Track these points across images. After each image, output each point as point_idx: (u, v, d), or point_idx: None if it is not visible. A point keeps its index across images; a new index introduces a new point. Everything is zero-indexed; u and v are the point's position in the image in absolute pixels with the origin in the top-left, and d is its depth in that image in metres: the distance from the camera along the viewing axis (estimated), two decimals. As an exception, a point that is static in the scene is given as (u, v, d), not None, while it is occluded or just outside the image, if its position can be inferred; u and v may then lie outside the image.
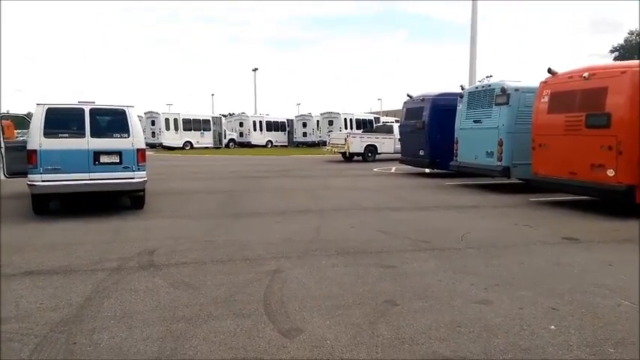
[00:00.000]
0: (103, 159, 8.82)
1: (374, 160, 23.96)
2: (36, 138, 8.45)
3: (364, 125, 40.93)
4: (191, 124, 37.29)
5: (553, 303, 4.55)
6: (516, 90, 12.39)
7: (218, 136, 38.98)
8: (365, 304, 4.52)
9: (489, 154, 12.95)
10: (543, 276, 5.42)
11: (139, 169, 9.05)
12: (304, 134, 41.39)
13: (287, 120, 44.01)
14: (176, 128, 36.60)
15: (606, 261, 6.04)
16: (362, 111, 48.10)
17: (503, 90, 12.49)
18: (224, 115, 48.62)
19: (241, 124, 42.30)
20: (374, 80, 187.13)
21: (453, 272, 5.53)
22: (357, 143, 24.27)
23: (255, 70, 63.44)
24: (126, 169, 8.94)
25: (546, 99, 10.64)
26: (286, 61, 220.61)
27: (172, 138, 36.25)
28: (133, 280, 5.18)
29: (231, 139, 40.60)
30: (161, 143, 36.16)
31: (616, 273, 5.52)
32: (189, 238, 7.26)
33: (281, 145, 42.77)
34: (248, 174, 18.09)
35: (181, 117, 37.30)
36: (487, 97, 13.24)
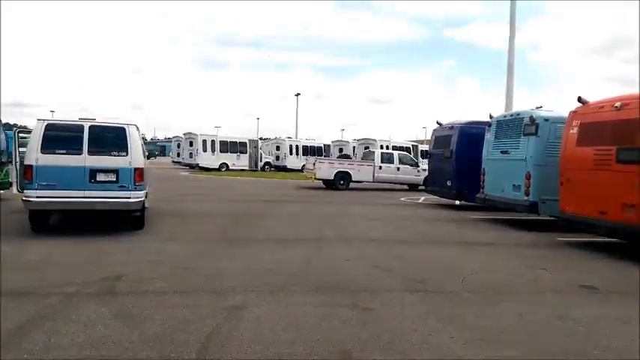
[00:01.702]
0: (100, 177, 8.62)
1: (347, 189, 22.14)
2: (33, 153, 8.37)
3: (401, 153, 40.16)
4: (228, 146, 37.53)
5: (539, 368, 3.83)
6: (546, 120, 11.54)
7: (254, 159, 39.09)
8: (315, 354, 3.93)
9: (516, 188, 12.07)
10: (540, 332, 4.67)
11: (135, 189, 8.79)
12: (340, 160, 40.91)
13: (324, 145, 43.74)
14: (213, 150, 36.91)
15: (622, 317, 5.19)
16: (406, 139, 47.39)
17: (532, 119, 11.67)
18: (261, 139, 48.99)
19: (278, 148, 42.35)
20: (422, 108, 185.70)
21: (436, 320, 4.86)
22: (326, 169, 22.39)
23: (297, 95, 63.96)
24: (122, 188, 8.71)
25: (575, 130, 9.79)
26: (335, 87, 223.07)
27: (209, 159, 36.56)
28: (80, 309, 4.80)
29: (267, 163, 40.59)
30: (198, 164, 36.55)
31: (630, 332, 4.70)
32: (169, 263, 6.88)
33: (317, 170, 42.45)
34: (271, 197, 17.76)
35: (218, 139, 37.67)
36: (516, 126, 12.41)
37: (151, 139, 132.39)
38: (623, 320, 5.10)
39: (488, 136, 13.66)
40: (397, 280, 6.39)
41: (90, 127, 8.73)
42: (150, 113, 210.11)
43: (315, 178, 22.35)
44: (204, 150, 36.54)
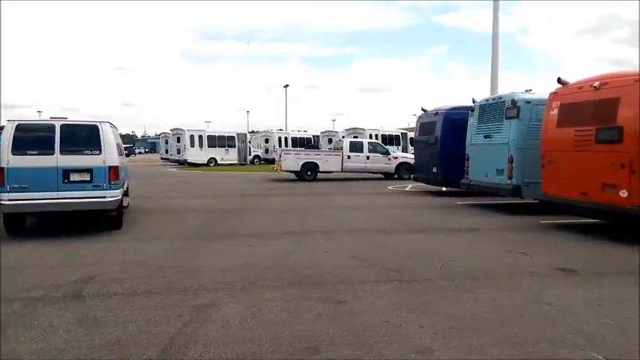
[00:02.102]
0: (73, 177, 8.45)
1: (314, 179, 21.70)
2: (4, 155, 8.17)
3: (391, 141, 40.09)
4: (216, 141, 37.24)
5: (507, 355, 3.77)
6: (528, 102, 11.46)
7: (243, 153, 38.83)
8: (281, 351, 3.84)
9: (500, 172, 12.00)
10: (513, 317, 4.60)
11: (110, 188, 8.62)
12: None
13: (313, 136, 43.58)
14: (201, 145, 36.58)
15: (597, 299, 5.14)
16: (397, 127, 47.26)
17: (514, 102, 11.59)
18: (253, 132, 48.76)
19: (267, 141, 42.11)
20: (415, 95, 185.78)
21: (407, 310, 4.78)
22: (292, 160, 21.95)
23: (286, 86, 63.70)
24: (96, 187, 8.54)
25: (555, 111, 9.72)
26: (325, 77, 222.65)
27: (197, 154, 36.22)
28: (44, 314, 4.67)
29: (257, 156, 40.38)
30: (186, 160, 36.25)
31: (602, 315, 4.64)
32: (143, 263, 6.74)
33: (307, 162, 42.28)
34: (257, 191, 17.63)
35: (206, 134, 37.36)
36: (498, 110, 12.33)
37: (142, 136, 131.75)
38: (597, 302, 5.04)
39: (472, 121, 13.58)
40: (373, 271, 6.31)
41: (61, 126, 8.54)
42: (141, 110, 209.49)
43: (281, 170, 21.92)
44: (192, 145, 36.22)
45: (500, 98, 12.51)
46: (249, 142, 40.99)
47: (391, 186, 19.33)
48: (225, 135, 38.29)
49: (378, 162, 22.78)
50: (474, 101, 13.77)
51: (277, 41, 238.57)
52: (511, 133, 11.64)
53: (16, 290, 5.46)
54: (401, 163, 22.58)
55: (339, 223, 10.15)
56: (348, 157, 22.54)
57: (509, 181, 11.61)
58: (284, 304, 4.95)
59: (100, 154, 8.59)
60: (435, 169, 16.07)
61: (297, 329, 4.29)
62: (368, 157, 22.72)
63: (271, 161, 40.76)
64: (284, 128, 56.01)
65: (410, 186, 19.05)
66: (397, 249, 7.69)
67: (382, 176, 23.06)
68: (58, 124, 8.53)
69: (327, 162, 22.38)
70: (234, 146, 38.18)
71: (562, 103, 9.59)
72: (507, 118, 11.82)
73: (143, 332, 4.21)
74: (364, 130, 37.97)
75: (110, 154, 8.69)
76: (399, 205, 13.57)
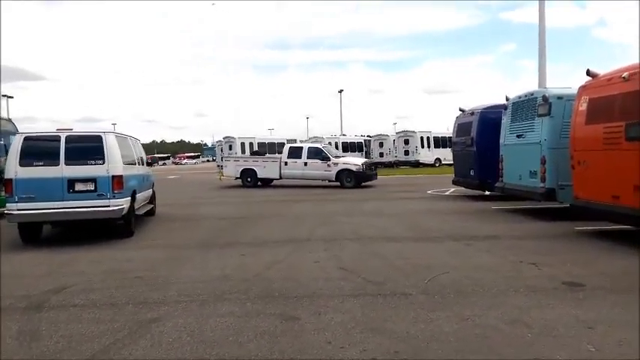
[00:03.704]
0: (78, 186, 8.61)
1: (255, 186, 22.20)
2: (12, 167, 8.47)
3: (444, 143, 38.90)
4: (266, 148, 37.69)
5: (442, 388, 3.26)
6: (559, 98, 10.53)
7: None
8: (194, 374, 3.55)
9: (533, 174, 11.12)
10: (475, 340, 4.05)
11: (114, 197, 8.71)
12: (381, 154, 40.12)
13: (364, 140, 43.11)
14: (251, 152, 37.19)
15: (591, 320, 4.45)
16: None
17: (545, 98, 10.69)
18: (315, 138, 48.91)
19: (317, 146, 42.11)
20: (483, 96, 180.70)
21: (361, 330, 4.34)
22: (232, 167, 22.89)
23: (340, 91, 63.72)
24: (100, 196, 8.65)
25: (584, 107, 8.83)
26: (390, 81, 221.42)
27: (247, 161, 36.84)
28: (-8, 326, 4.65)
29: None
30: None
31: (585, 340, 3.98)
32: (125, 272, 6.66)
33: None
34: (293, 197, 17.47)
35: (256, 141, 37.98)
36: (530, 107, 11.45)
37: (212, 144, 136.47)
38: (589, 324, 4.36)
39: (505, 120, 12.74)
40: (353, 283, 5.87)
41: (67, 137, 8.73)
42: (212, 120, 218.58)
43: (222, 176, 22.07)
44: (243, 152, 36.84)
45: (532, 95, 11.59)
46: (301, 148, 41.15)
47: (431, 190, 18.56)
48: (275, 142, 38.78)
49: (317, 169, 21.64)
50: (507, 99, 12.90)
51: (342, 47, 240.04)
52: (543, 132, 10.75)
53: (-13, 300, 5.52)
54: (342, 170, 21.17)
55: (349, 231, 9.70)
56: (286, 163, 22.22)
57: (542, 184, 10.70)
58: (232, 321, 4.65)
59: (103, 163, 8.69)
60: (472, 172, 15.23)
61: (226, 349, 3.98)
62: (306, 164, 21.79)
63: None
64: (345, 133, 55.83)
65: (451, 190, 18.17)
66: (395, 259, 7.18)
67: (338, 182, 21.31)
68: (63, 135, 8.72)
69: (265, 168, 22.55)
70: (284, 152, 38.43)
71: (590, 97, 8.70)
72: (539, 116, 10.93)
73: (70, 348, 4.06)
74: (415, 132, 37.12)
75: (114, 164, 8.77)
76: (427, 210, 12.87)
